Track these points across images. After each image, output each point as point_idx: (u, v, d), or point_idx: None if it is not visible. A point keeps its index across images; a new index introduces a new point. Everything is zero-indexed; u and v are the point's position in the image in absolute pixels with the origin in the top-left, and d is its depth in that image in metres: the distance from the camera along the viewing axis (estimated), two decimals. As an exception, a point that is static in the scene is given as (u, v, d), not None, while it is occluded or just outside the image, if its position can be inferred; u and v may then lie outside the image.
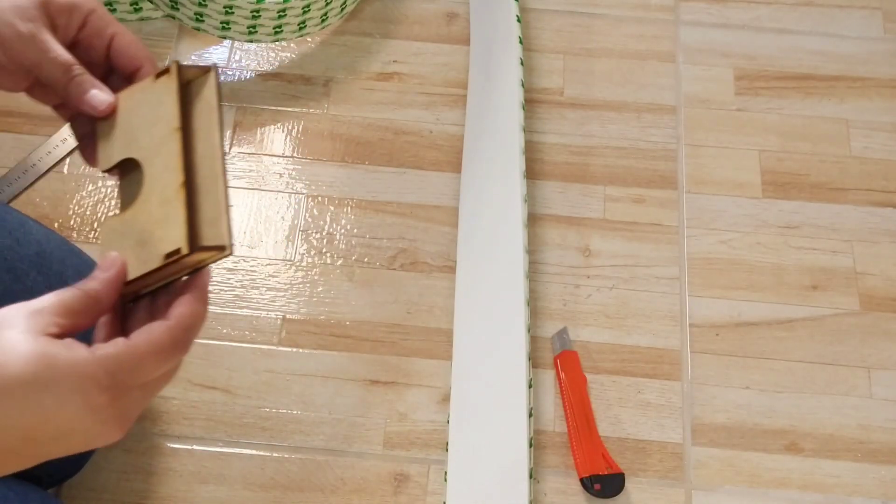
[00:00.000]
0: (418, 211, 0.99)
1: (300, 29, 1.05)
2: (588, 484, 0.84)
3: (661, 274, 0.97)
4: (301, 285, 0.96)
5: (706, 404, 0.91)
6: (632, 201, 1.01)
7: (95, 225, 0.99)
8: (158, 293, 0.47)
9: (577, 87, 1.09)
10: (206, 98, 0.47)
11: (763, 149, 1.05)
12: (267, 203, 1.01)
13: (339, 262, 0.97)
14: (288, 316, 0.94)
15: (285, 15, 1.02)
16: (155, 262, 0.45)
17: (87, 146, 0.53)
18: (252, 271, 0.97)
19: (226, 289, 0.96)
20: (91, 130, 0.51)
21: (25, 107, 1.05)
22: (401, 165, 1.03)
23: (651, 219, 1.00)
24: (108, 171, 0.49)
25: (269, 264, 0.97)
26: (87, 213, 0.99)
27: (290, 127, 1.05)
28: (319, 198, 1.01)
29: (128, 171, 0.48)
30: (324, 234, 0.99)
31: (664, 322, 0.95)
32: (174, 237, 0.45)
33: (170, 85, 0.47)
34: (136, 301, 0.47)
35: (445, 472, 0.84)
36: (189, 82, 0.48)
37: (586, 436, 0.87)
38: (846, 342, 0.94)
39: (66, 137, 1.03)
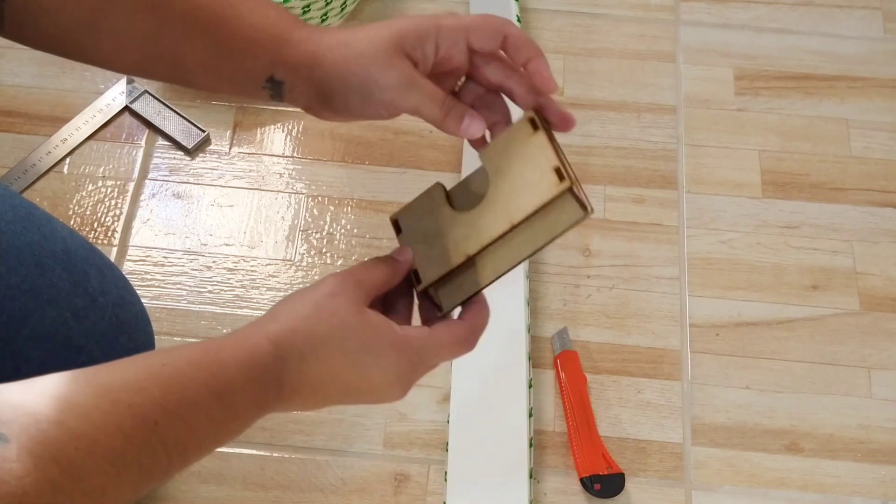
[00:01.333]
0: (418, 211, 0.99)
1: (300, 29, 1.05)
2: (588, 484, 0.84)
3: (661, 274, 0.97)
4: (301, 285, 0.96)
5: (706, 404, 0.91)
6: (632, 201, 1.01)
7: (95, 225, 0.99)
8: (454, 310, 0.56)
9: (577, 87, 1.09)
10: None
11: (763, 149, 1.05)
12: (267, 203, 1.01)
13: (339, 262, 0.97)
14: (288, 316, 0.94)
15: (285, 15, 1.02)
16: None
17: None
18: (252, 271, 0.97)
19: (226, 289, 0.95)
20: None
21: (25, 107, 1.05)
22: (401, 165, 1.03)
23: (651, 219, 1.00)
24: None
25: (269, 264, 0.97)
26: (87, 213, 0.99)
27: (290, 127, 1.05)
28: (319, 198, 1.01)
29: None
30: (324, 234, 0.99)
31: (664, 322, 0.95)
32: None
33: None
34: (442, 318, 0.56)
35: (445, 472, 0.84)
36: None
37: (586, 436, 0.87)
38: (846, 342, 0.94)
39: (65, 137, 1.03)
